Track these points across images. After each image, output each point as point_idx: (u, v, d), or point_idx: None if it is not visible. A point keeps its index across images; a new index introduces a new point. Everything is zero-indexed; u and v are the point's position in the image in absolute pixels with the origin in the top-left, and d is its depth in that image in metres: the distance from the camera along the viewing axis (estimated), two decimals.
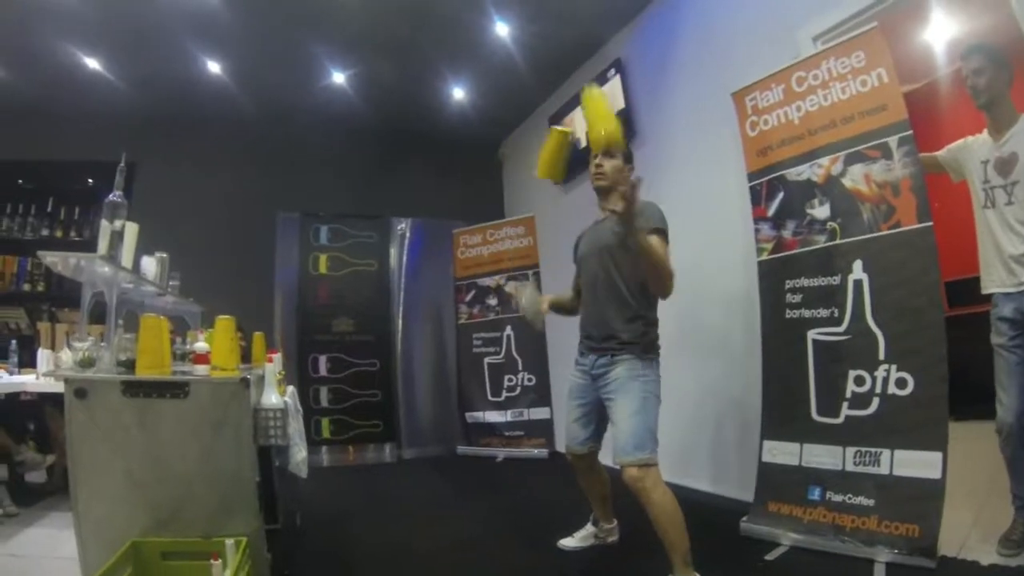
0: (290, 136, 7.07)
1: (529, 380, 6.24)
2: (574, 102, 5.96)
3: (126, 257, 2.85)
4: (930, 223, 2.87)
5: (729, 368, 4.04)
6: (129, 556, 2.30)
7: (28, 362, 4.39)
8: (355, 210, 6.77)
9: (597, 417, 3.07)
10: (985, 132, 2.85)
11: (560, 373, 6.22)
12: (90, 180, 6.42)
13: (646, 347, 2.89)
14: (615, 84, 5.35)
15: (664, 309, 4.66)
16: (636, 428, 2.71)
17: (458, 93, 6.50)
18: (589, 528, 3.39)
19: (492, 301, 6.50)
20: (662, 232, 2.81)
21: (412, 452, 6.36)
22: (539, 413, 6.21)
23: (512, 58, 5.67)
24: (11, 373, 4.23)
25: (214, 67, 5.71)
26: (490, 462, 5.98)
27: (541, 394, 6.23)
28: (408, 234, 6.78)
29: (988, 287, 2.81)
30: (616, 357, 2.87)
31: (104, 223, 2.70)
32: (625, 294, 2.91)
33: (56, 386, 3.65)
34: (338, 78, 6.03)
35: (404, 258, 6.75)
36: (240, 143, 6.92)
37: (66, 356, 3.23)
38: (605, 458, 3.10)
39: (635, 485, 2.64)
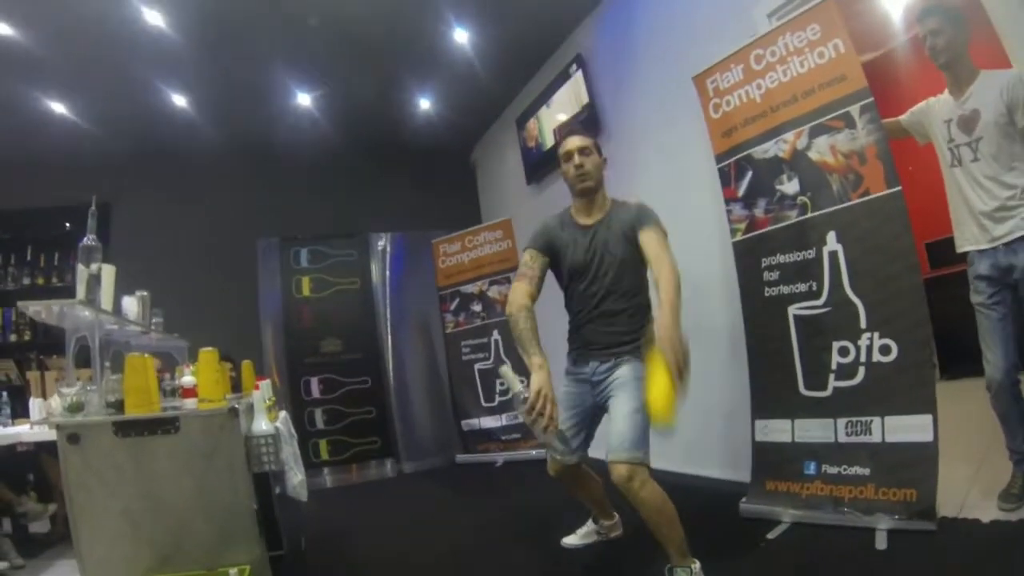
0: (262, 162, 7.08)
1: (521, 382, 6.19)
2: (540, 102, 6.01)
3: (105, 299, 2.85)
4: (899, 188, 2.89)
5: (715, 351, 4.04)
6: None
7: (21, 412, 4.37)
8: (333, 230, 6.78)
9: (588, 425, 2.95)
10: (946, 92, 2.86)
11: (552, 372, 6.23)
12: (67, 225, 6.42)
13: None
14: (578, 79, 5.38)
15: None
16: (634, 427, 2.59)
17: (425, 104, 6.53)
18: (590, 525, 3.34)
19: (477, 307, 6.48)
20: (661, 229, 2.79)
21: (412, 465, 6.33)
22: None
23: (474, 63, 5.68)
24: (5, 425, 4.21)
25: (180, 100, 5.71)
26: (490, 468, 5.98)
27: None
28: (388, 248, 6.77)
29: (962, 245, 2.83)
30: (620, 359, 2.79)
31: (80, 267, 2.72)
32: (631, 302, 2.84)
33: (51, 434, 3.65)
34: (303, 100, 6.05)
35: (387, 273, 6.73)
36: (213, 173, 6.92)
37: (55, 403, 3.23)
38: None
39: (623, 484, 2.53)
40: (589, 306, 2.89)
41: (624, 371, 2.75)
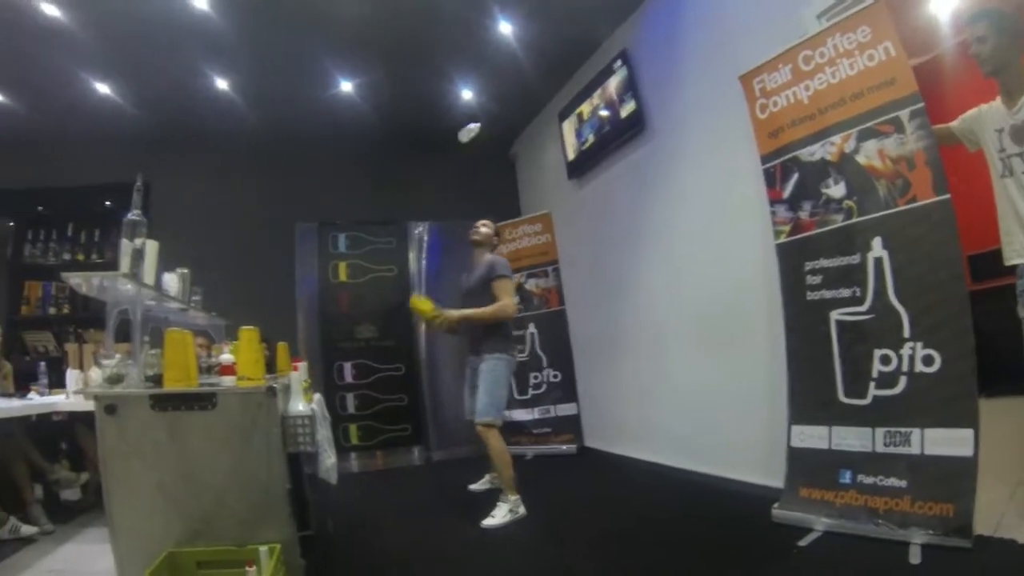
0: (303, 147, 7.13)
1: (555, 377, 6.25)
2: (582, 97, 5.98)
3: (148, 274, 2.88)
4: (947, 196, 2.83)
5: (753, 354, 4.01)
6: (166, 566, 2.34)
7: (57, 383, 4.46)
8: (372, 216, 6.80)
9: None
10: (998, 100, 2.79)
11: (585, 369, 6.23)
12: (107, 202, 6.55)
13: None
14: (622, 76, 5.33)
15: (684, 300, 4.70)
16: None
17: (467, 94, 6.50)
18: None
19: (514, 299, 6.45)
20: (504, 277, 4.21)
21: (441, 454, 6.35)
22: (566, 409, 6.22)
23: (518, 56, 5.66)
24: (41, 394, 4.30)
25: (222, 83, 5.77)
26: (519, 460, 5.94)
27: (567, 390, 6.23)
28: (425, 237, 6.76)
29: (1011, 257, 2.75)
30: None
31: (124, 242, 2.74)
32: None
33: (86, 404, 3.72)
34: (346, 87, 6.05)
35: (423, 261, 6.72)
36: (253, 156, 7.00)
37: (95, 374, 3.27)
38: None
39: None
40: None
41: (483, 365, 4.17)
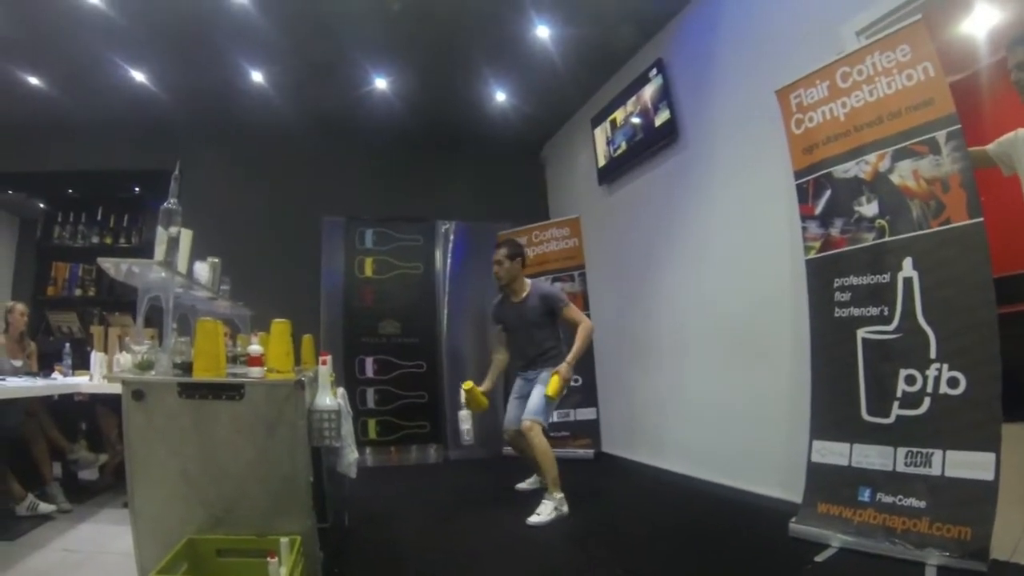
0: (334, 141, 7.15)
1: (575, 381, 6.20)
2: (616, 103, 5.96)
3: (181, 263, 2.91)
4: (981, 219, 2.81)
5: (777, 368, 3.99)
6: (185, 553, 2.36)
7: (81, 364, 4.51)
8: (400, 213, 6.81)
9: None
10: None
11: (606, 374, 6.22)
12: (136, 188, 6.62)
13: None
14: (657, 84, 5.31)
15: (709, 311, 4.70)
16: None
17: (500, 95, 6.46)
18: (534, 477, 4.67)
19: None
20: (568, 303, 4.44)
21: (457, 453, 6.37)
22: (585, 414, 6.23)
23: (553, 60, 5.63)
24: (65, 375, 4.36)
25: (257, 76, 5.79)
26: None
27: (587, 395, 6.23)
28: (452, 236, 6.80)
29: None
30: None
31: (160, 229, 2.76)
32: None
33: (108, 387, 3.77)
34: (380, 83, 6.05)
35: (449, 260, 6.78)
36: (284, 149, 7.02)
37: (124, 359, 3.30)
38: None
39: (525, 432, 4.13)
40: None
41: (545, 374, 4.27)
